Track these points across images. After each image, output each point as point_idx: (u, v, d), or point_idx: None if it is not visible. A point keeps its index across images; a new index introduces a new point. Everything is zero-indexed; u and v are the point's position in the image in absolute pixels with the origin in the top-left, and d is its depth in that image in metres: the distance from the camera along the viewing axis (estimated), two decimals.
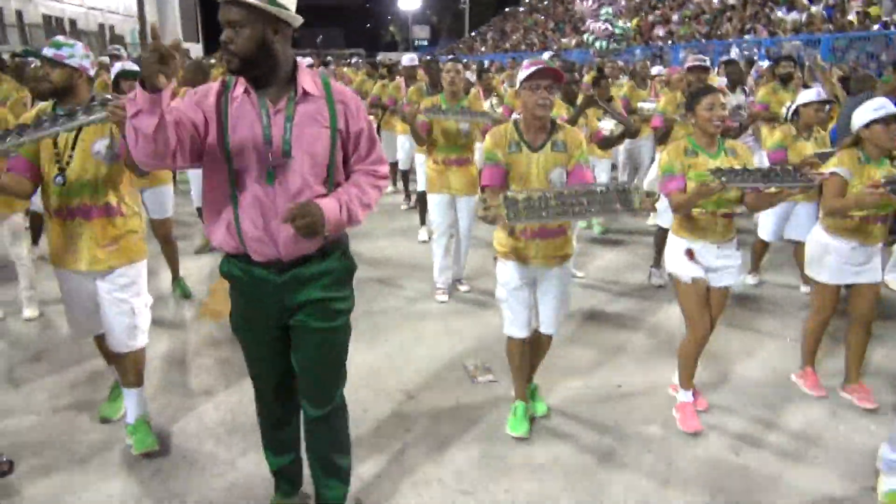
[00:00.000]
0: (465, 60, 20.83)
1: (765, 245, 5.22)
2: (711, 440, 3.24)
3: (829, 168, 3.44)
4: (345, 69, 17.34)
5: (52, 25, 26.13)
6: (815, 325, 3.67)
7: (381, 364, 3.99)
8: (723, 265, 3.27)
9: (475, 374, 3.87)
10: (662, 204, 4.76)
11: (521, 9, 43.24)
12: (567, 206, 2.63)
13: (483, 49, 36.66)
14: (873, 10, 10.93)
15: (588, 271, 5.69)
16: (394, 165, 7.78)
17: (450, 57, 20.71)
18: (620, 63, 11.03)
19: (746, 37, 13.56)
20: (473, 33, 47.74)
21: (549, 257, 3.10)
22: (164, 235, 4.98)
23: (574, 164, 3.02)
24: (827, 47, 9.73)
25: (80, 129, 2.78)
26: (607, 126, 5.22)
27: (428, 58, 7.48)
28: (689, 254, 3.26)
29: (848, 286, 3.56)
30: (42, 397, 3.58)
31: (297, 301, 2.23)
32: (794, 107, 4.74)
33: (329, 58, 25.94)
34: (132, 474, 2.93)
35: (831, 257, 3.49)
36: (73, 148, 2.81)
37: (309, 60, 11.16)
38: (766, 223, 5.07)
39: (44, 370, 3.89)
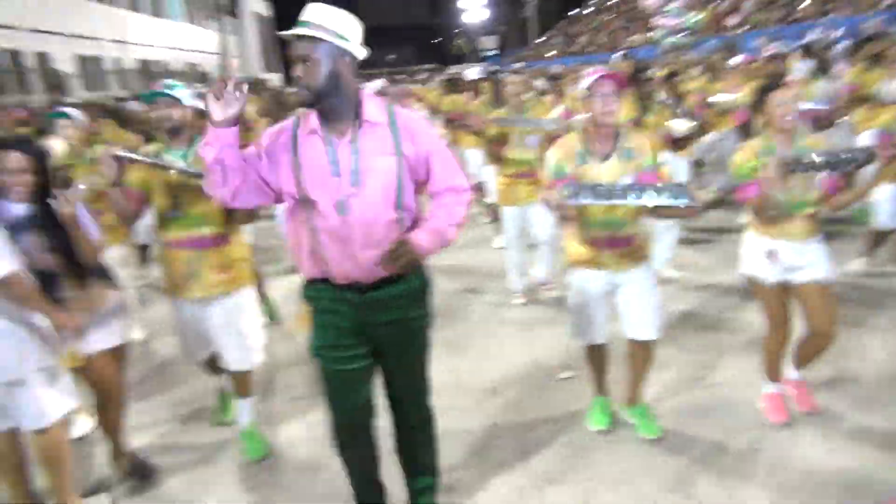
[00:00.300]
0: (534, 67, 20.95)
1: (884, 233, 4.84)
2: (809, 441, 3.11)
3: None
4: (417, 86, 17.83)
5: (149, 70, 28.04)
6: None
7: (466, 366, 4.17)
8: (808, 261, 3.07)
9: (556, 370, 4.00)
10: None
11: (587, 11, 42.85)
12: (622, 192, 2.74)
13: (551, 55, 36.49)
14: None
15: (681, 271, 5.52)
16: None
17: (516, 65, 20.79)
18: (695, 56, 10.83)
19: (824, 18, 13.00)
20: (540, 40, 47.63)
21: (620, 262, 3.06)
22: None
23: (639, 171, 2.96)
24: None
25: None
26: (680, 126, 5.15)
27: (491, 71, 7.51)
28: (772, 255, 3.08)
29: None
30: (165, 409, 3.96)
31: (379, 320, 2.33)
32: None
33: (400, 76, 26.67)
34: (248, 474, 3.25)
35: None
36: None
37: (379, 84, 11.39)
38: (884, 207, 4.73)
39: (163, 385, 4.27)
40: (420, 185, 2.35)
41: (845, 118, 6.18)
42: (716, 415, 3.39)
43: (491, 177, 6.19)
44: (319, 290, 2.34)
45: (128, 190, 2.99)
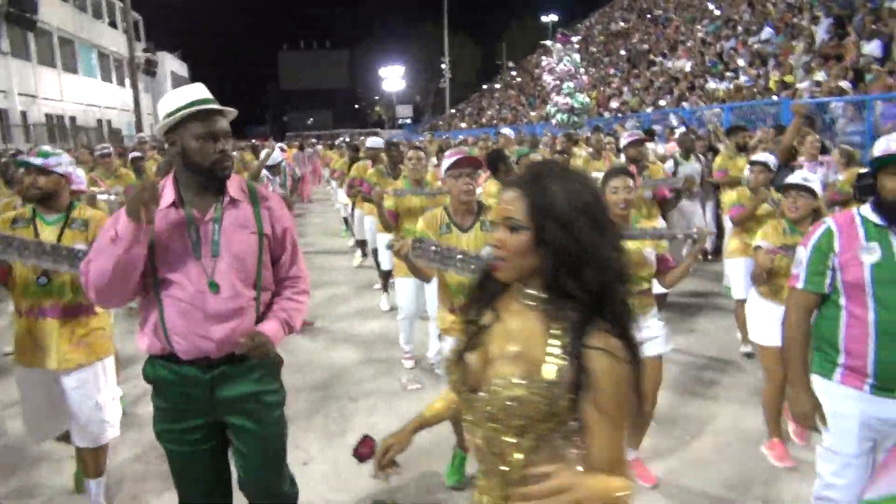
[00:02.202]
0: (444, 137, 22.38)
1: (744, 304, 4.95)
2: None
3: (755, 241, 3.62)
4: (329, 151, 18.79)
5: (54, 123, 27.71)
6: (771, 391, 3.55)
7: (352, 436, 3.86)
8: (647, 336, 3.52)
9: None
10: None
11: (497, 86, 45.78)
12: (470, 265, 2.85)
13: (462, 125, 38.61)
14: (788, 78, 12.39)
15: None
16: (364, 242, 8.33)
17: (425, 135, 22.02)
18: (580, 134, 12.03)
19: (684, 104, 15.04)
20: (454, 110, 50.13)
21: None
22: None
23: None
24: (729, 114, 11.06)
25: (62, 232, 2.94)
26: None
27: (390, 141, 7.65)
28: None
29: None
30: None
31: (229, 395, 2.21)
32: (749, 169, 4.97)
33: (313, 140, 27.60)
34: None
35: (766, 319, 3.51)
36: None
37: (281, 146, 11.84)
38: (737, 282, 4.96)
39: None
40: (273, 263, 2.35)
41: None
42: None
43: (383, 244, 5.71)
44: (162, 368, 2.21)
45: None
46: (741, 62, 15.44)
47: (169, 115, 2.13)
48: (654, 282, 3.35)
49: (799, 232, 3.45)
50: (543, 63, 17.28)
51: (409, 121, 65.32)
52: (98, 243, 2.11)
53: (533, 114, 27.48)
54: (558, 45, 15.37)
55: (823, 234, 2.34)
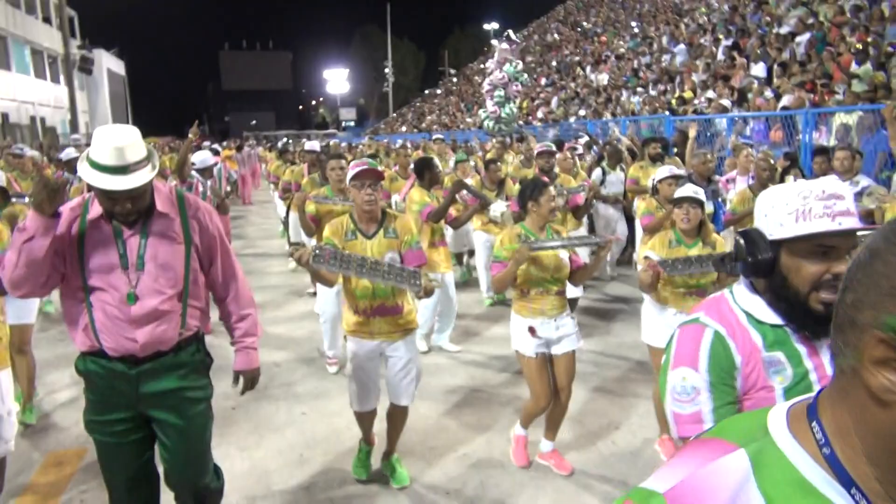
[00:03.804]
0: (384, 140, 23.15)
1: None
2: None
3: (643, 251, 3.83)
4: (268, 153, 19.28)
5: None
6: (659, 391, 3.37)
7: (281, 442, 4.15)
8: (563, 334, 3.58)
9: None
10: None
11: (439, 91, 46.83)
12: (369, 270, 3.06)
13: (403, 129, 39.40)
14: (687, 94, 13.76)
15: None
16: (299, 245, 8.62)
17: (364, 139, 22.55)
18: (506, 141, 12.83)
19: (607, 116, 16.31)
20: (395, 114, 50.93)
21: (391, 332, 3.36)
22: (19, 345, 4.24)
23: (406, 248, 3.35)
24: (625, 127, 12.28)
25: None
26: (498, 209, 5.83)
27: (319, 150, 7.82)
28: (531, 331, 3.54)
29: None
30: None
31: (153, 390, 2.33)
32: (653, 182, 5.13)
33: (252, 141, 27.86)
34: None
35: (656, 322, 3.77)
36: None
37: (215, 148, 11.73)
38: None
39: None
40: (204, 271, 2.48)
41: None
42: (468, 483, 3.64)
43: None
44: (92, 363, 2.34)
45: None
46: (651, 77, 16.85)
47: (86, 163, 2.18)
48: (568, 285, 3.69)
49: (685, 244, 3.68)
50: (487, 64, 17.53)
51: (352, 123, 65.83)
52: (13, 237, 2.27)
53: (469, 120, 28.56)
54: (504, 45, 15.93)
55: (714, 343, 1.53)
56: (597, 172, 8.02)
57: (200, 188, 6.44)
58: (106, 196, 2.19)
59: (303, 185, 6.56)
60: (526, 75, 17.48)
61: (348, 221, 3.39)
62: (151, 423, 2.44)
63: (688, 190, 3.71)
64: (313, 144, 8.19)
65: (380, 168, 3.48)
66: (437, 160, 6.02)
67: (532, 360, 3.56)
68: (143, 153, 2.20)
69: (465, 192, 5.62)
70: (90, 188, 2.24)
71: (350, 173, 3.35)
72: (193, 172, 6.77)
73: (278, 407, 4.77)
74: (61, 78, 32.42)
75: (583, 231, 6.62)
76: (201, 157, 7.31)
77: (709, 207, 5.38)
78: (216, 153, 11.78)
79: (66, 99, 26.16)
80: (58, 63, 33.90)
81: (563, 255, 3.60)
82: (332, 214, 4.70)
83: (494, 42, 21.78)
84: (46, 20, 35.66)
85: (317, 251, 3.02)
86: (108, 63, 44.31)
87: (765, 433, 0.75)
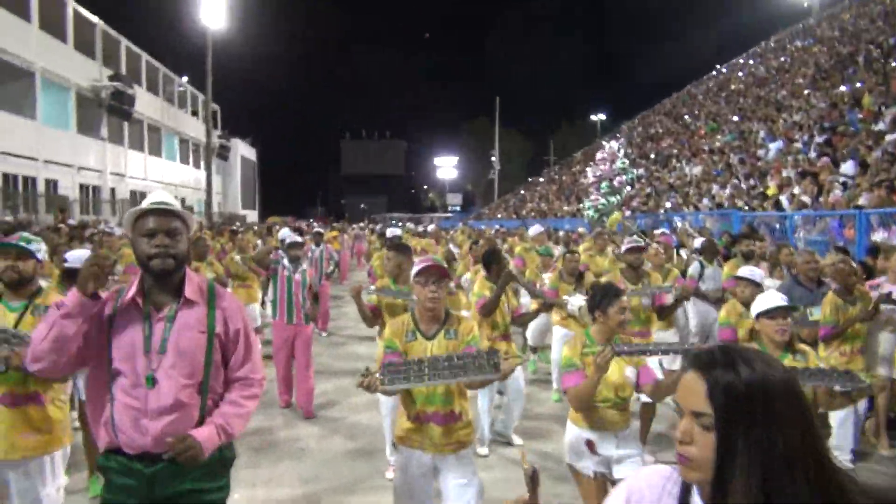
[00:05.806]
0: (480, 227, 24.26)
1: None
2: None
3: None
4: (371, 235, 20.79)
5: (138, 199, 31.13)
6: None
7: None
8: (624, 454, 3.23)
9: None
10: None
11: (541, 179, 48.22)
12: (436, 371, 2.78)
13: (500, 215, 40.61)
14: (770, 191, 13.89)
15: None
16: None
17: (469, 222, 23.34)
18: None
19: (686, 210, 16.58)
20: (499, 200, 52.61)
21: (444, 444, 3.06)
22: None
23: (464, 346, 3.09)
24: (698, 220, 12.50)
25: (19, 320, 3.01)
26: (576, 303, 5.54)
27: (394, 237, 7.80)
28: (590, 445, 3.22)
29: None
30: None
31: (167, 493, 2.25)
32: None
33: (361, 224, 29.62)
34: None
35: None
36: None
37: (299, 227, 12.13)
38: None
39: None
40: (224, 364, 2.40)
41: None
42: None
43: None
44: (112, 460, 2.30)
45: None
46: (743, 171, 17.03)
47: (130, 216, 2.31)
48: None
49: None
50: (598, 156, 17.55)
51: (458, 208, 68.53)
52: (48, 311, 2.26)
53: (566, 208, 29.31)
54: (614, 143, 16.45)
55: None
56: (695, 266, 7.32)
57: (283, 268, 6.34)
58: (146, 234, 2.25)
59: (375, 269, 6.53)
60: (635, 171, 17.66)
61: (409, 321, 3.22)
62: None
63: (775, 299, 3.38)
64: (394, 232, 8.34)
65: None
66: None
67: (590, 482, 3.23)
68: (186, 214, 2.37)
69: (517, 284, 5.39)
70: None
71: (414, 269, 3.23)
72: (281, 253, 6.73)
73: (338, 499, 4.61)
74: (202, 163, 36.61)
75: (671, 335, 5.95)
76: (282, 232, 7.39)
77: (816, 314, 5.14)
78: (300, 233, 11.73)
79: (203, 181, 29.43)
80: (200, 150, 38.36)
81: (630, 372, 3.29)
82: (393, 307, 4.62)
83: (604, 143, 22.10)
84: (194, 113, 40.79)
85: (384, 375, 2.79)
86: (243, 150, 49.39)
87: None
